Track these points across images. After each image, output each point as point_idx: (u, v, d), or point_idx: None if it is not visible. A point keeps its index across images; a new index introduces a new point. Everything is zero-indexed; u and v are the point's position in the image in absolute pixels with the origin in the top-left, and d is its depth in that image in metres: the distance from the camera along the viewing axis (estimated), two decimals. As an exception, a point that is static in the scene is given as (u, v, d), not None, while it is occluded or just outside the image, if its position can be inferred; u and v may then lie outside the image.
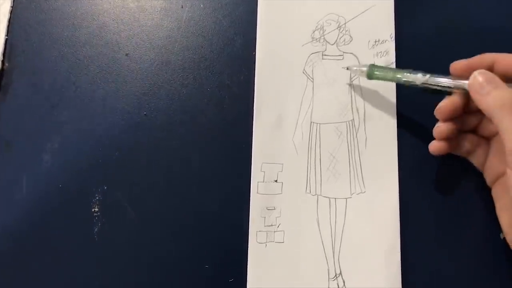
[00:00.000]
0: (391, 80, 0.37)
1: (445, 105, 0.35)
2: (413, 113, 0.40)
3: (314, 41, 0.42)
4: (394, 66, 0.41)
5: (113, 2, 0.42)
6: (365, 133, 0.40)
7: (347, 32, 0.42)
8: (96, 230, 0.38)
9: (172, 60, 0.41)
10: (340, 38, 0.42)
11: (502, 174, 0.35)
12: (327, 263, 0.37)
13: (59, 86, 0.41)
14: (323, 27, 0.42)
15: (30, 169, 0.39)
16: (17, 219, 0.38)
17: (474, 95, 0.32)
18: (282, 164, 0.39)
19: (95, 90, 0.41)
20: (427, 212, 0.39)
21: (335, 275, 0.37)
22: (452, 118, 0.35)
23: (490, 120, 0.32)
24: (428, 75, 0.35)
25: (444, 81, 0.35)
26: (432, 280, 0.38)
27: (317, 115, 0.40)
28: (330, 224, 0.38)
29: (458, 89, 0.34)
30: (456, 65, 0.35)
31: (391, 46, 0.41)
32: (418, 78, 0.35)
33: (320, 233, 0.38)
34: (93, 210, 0.38)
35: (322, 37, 0.42)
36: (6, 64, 0.41)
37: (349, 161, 0.39)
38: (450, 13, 0.42)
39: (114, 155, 0.39)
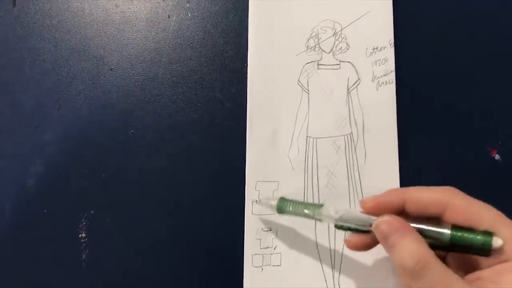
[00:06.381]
0: (303, 216, 0.33)
1: (352, 241, 0.31)
2: (415, 125, 0.38)
3: (309, 50, 0.39)
4: (393, 74, 0.39)
5: (96, 14, 0.40)
6: (364, 147, 0.38)
7: (343, 40, 0.40)
8: (84, 256, 0.36)
9: (159, 74, 0.39)
10: (336, 46, 0.39)
11: None
12: (327, 285, 0.36)
13: (41, 104, 0.39)
14: (318, 34, 0.40)
15: (13, 195, 0.37)
16: (0, 247, 0.37)
17: (382, 245, 0.29)
18: (278, 182, 0.37)
19: (79, 108, 0.39)
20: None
21: (336, 299, 0.36)
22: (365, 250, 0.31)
23: None
24: (341, 213, 0.31)
25: (357, 219, 0.30)
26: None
27: (313, 128, 0.38)
28: (329, 245, 0.36)
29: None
30: (365, 204, 0.30)
31: (390, 53, 0.39)
32: (330, 215, 0.31)
33: (319, 255, 0.36)
34: (80, 236, 0.37)
35: (317, 46, 0.39)
36: (-14, 83, 0.39)
37: (348, 177, 0.37)
38: (452, 16, 0.40)
39: (101, 177, 0.38)
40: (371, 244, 0.31)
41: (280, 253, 0.36)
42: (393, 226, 0.28)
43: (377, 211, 0.30)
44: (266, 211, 0.36)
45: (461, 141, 0.38)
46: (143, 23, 0.40)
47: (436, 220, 0.29)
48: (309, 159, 0.38)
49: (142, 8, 0.40)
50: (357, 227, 0.30)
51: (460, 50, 0.40)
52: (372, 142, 0.38)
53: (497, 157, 0.38)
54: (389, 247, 0.28)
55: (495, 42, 0.40)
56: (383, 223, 0.28)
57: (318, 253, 0.36)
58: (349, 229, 0.31)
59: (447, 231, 0.28)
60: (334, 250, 0.36)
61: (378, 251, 0.36)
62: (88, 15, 0.40)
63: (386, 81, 0.39)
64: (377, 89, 0.39)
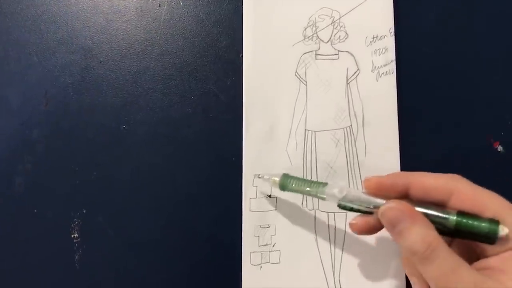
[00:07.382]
0: (306, 194, 0.33)
1: (357, 224, 0.30)
2: (416, 117, 0.37)
3: (306, 40, 0.38)
4: (394, 64, 0.37)
5: (83, 3, 0.38)
6: (365, 140, 0.37)
7: (342, 28, 0.38)
8: (77, 257, 0.35)
9: (151, 66, 0.38)
10: (334, 35, 0.38)
11: None
12: (327, 283, 0.35)
13: (28, 100, 0.37)
14: (315, 23, 0.38)
15: (2, 194, 0.36)
16: (-10, 249, 0.36)
17: (389, 232, 0.28)
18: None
19: (68, 103, 0.37)
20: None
21: (336, 297, 0.35)
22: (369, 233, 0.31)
23: None
24: (345, 192, 0.30)
25: (361, 199, 0.30)
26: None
27: (312, 121, 0.37)
28: (329, 241, 0.36)
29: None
30: (368, 182, 0.30)
31: (390, 42, 0.38)
32: (334, 194, 0.30)
33: (318, 251, 0.35)
34: (72, 236, 0.35)
35: (315, 35, 0.38)
36: (-31, 77, 0.37)
37: (348, 171, 0.36)
38: (454, 3, 0.39)
39: (93, 175, 0.36)
40: (376, 227, 0.30)
41: (279, 250, 0.35)
42: (401, 213, 0.27)
43: (381, 193, 0.29)
44: (264, 208, 0.35)
45: (464, 132, 0.37)
46: (133, 12, 0.38)
47: (441, 207, 0.28)
48: (307, 153, 0.37)
49: (132, -3, 0.39)
50: (361, 208, 0.30)
51: (462, 38, 0.38)
52: (372, 134, 0.37)
53: (499, 148, 0.37)
54: (397, 233, 0.27)
55: (497, 30, 0.38)
56: (391, 209, 0.27)
57: (318, 250, 0.35)
58: (352, 209, 0.30)
59: (452, 216, 0.27)
60: (335, 247, 0.35)
61: (380, 247, 0.35)
62: (74, 5, 0.38)
63: (386, 71, 0.37)
64: (377, 80, 0.37)
